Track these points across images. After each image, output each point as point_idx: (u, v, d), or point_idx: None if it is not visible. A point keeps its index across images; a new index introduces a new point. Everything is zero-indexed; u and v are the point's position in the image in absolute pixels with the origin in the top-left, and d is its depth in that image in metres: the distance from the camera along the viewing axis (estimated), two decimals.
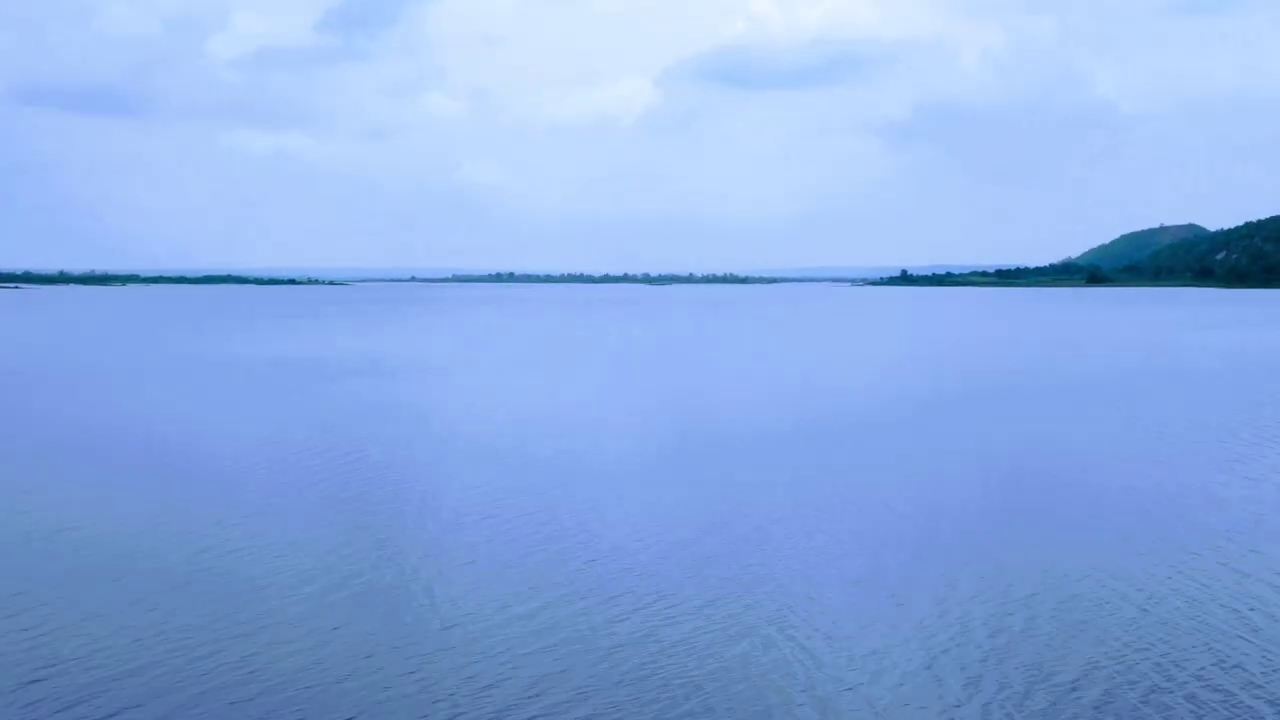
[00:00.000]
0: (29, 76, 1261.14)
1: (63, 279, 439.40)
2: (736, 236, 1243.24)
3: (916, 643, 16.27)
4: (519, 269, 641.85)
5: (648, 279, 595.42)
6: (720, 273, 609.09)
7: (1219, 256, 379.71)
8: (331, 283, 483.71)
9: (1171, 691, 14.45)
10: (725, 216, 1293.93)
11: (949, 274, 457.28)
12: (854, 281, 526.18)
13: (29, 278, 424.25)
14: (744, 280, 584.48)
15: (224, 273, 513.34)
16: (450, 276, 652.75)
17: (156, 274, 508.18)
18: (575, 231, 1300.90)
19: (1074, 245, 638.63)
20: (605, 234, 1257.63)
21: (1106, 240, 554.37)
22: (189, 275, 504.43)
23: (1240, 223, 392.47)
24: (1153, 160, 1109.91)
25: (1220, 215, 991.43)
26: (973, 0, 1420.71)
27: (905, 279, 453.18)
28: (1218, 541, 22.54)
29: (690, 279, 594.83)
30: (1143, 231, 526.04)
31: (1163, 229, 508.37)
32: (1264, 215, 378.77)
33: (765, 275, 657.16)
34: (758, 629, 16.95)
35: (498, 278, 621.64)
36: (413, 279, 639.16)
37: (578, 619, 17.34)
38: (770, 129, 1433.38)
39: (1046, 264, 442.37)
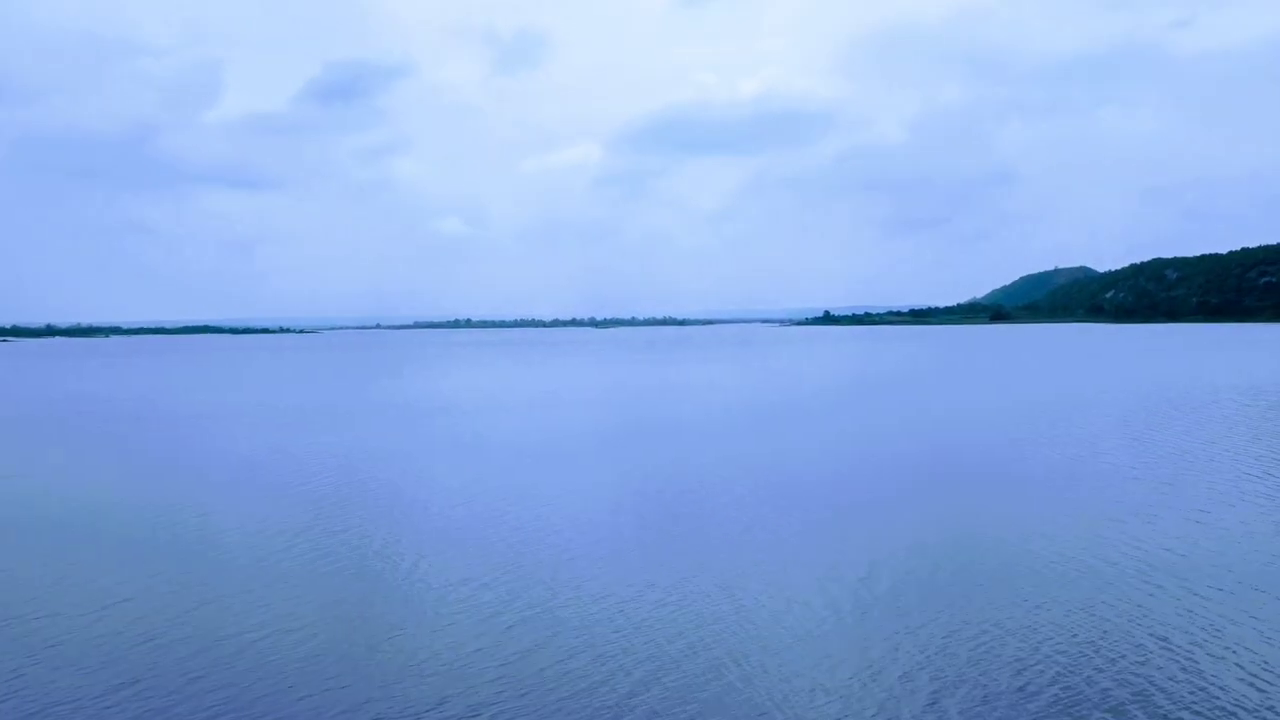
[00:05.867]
0: (28, 143, 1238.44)
1: (50, 332, 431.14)
2: (678, 283, 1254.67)
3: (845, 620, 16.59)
4: (476, 316, 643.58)
5: (594, 323, 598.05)
6: (661, 315, 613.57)
7: (1108, 295, 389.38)
8: (302, 331, 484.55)
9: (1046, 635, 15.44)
10: (668, 265, 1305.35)
11: (868, 314, 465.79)
12: (782, 322, 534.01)
13: (17, 331, 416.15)
14: (682, 322, 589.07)
15: (201, 324, 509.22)
16: (413, 324, 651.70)
17: (137, 326, 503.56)
18: (531, 282, 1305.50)
19: (979, 287, 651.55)
20: (558, 283, 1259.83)
21: (1008, 281, 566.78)
22: (167, 326, 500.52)
23: (1125, 264, 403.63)
24: (1048, 210, 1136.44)
25: (1108, 258, 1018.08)
26: (892, 71, 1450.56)
27: (828, 319, 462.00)
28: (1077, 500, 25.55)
29: (633, 322, 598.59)
30: (1039, 274, 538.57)
31: (1057, 271, 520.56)
32: (1146, 258, 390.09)
33: (702, 317, 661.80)
34: (700, 608, 17.39)
35: (455, 324, 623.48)
36: (378, 326, 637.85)
37: (538, 604, 17.75)
38: (710, 185, 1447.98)
39: (955, 304, 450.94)
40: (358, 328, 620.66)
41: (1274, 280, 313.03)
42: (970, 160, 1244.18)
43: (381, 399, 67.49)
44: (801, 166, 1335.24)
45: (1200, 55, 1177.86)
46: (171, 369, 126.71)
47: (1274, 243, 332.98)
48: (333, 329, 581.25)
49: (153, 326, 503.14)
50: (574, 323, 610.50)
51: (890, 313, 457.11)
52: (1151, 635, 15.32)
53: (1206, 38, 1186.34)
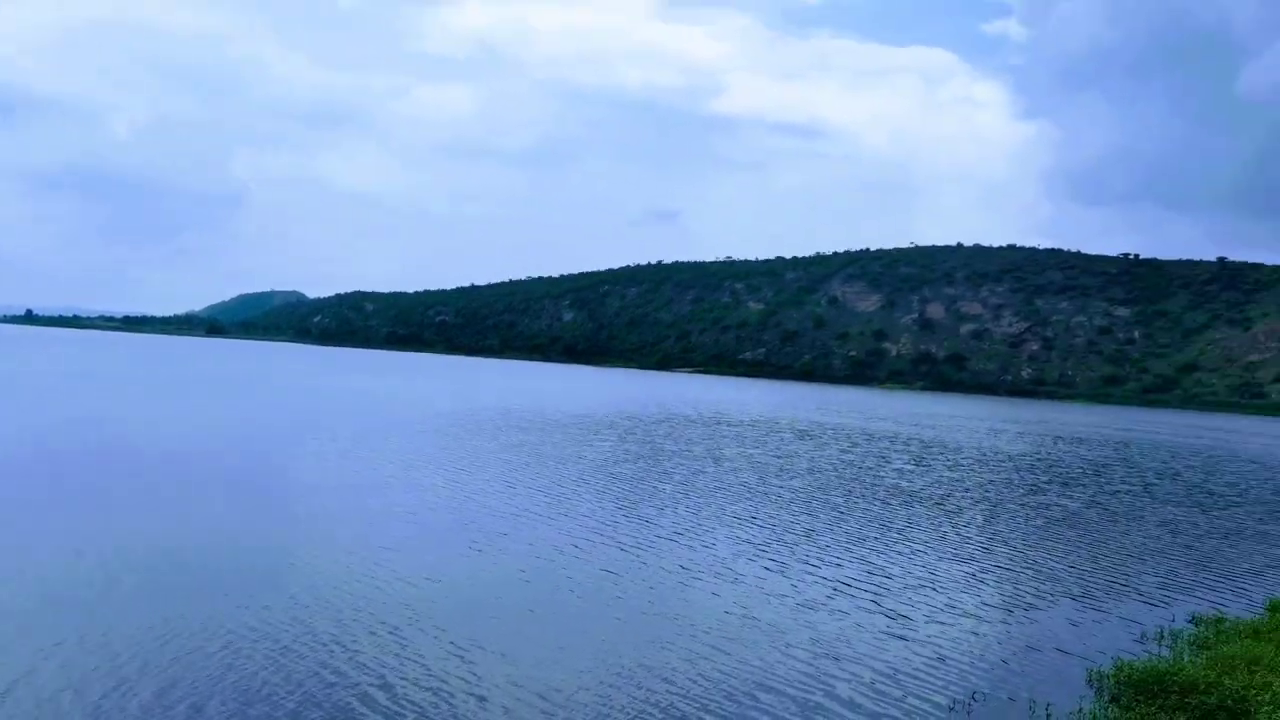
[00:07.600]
0: None
1: None
2: None
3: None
4: None
5: None
6: None
7: (315, 319, 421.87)
8: None
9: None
10: None
11: (77, 317, 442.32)
12: None
13: None
14: None
15: None
16: None
17: None
18: None
19: (198, 301, 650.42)
20: None
21: (226, 298, 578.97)
22: None
23: (332, 294, 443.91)
24: (272, 237, 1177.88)
25: (319, 286, 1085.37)
26: (123, 69, 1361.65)
27: (30, 318, 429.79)
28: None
29: None
30: (257, 294, 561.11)
31: (273, 293, 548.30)
32: (349, 290, 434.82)
33: None
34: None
35: None
36: None
37: None
38: None
39: (173, 314, 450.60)
40: None
41: (446, 319, 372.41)
42: (204, 178, 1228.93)
43: None
44: (17, 153, 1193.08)
45: (410, 120, 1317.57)
46: None
47: (447, 288, 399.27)
48: None
49: None
50: None
51: (102, 317, 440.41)
52: (357, 617, 15.97)
53: (416, 107, 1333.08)
